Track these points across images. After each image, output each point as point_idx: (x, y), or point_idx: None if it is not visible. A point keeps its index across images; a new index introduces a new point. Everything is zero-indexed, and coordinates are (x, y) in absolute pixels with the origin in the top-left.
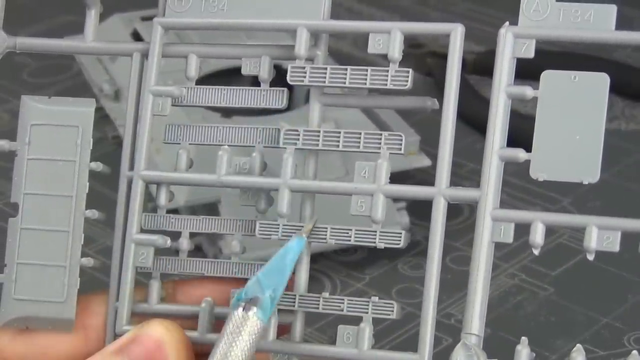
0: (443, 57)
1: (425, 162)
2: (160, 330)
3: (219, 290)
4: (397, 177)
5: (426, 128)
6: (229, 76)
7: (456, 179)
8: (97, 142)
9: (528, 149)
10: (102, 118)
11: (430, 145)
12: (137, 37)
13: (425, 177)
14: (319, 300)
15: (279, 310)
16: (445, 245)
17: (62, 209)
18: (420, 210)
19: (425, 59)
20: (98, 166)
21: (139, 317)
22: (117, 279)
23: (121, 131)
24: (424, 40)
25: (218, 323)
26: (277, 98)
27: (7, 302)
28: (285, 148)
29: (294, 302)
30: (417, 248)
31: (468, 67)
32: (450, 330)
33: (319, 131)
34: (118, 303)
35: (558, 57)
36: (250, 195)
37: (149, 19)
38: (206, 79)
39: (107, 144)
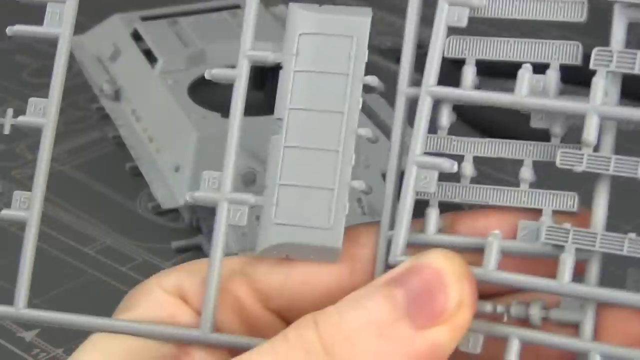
0: (443, 57)
1: None
2: (441, 260)
3: (505, 222)
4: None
5: None
6: None
7: None
8: (97, 142)
9: None
10: (102, 118)
11: None
12: (137, 37)
13: None
14: (623, 242)
15: (577, 249)
16: None
17: (331, 127)
18: (420, 210)
19: (425, 58)
20: (373, 80)
21: (413, 248)
22: (391, 205)
23: (121, 131)
24: (423, 40)
25: (504, 260)
26: (576, 10)
27: (267, 228)
28: (595, 70)
29: (594, 241)
30: None
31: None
32: None
33: (635, 53)
34: (392, 232)
35: None
36: (544, 117)
37: (149, 19)
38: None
39: (107, 144)
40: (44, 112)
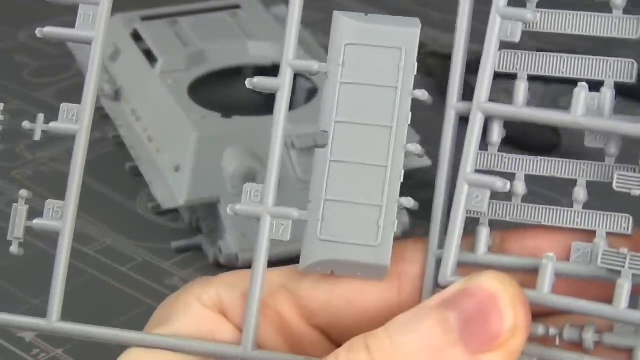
0: (443, 57)
1: (425, 162)
2: (495, 283)
3: (556, 242)
4: None
5: (426, 128)
6: (229, 76)
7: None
8: (97, 142)
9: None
10: (102, 118)
11: (430, 145)
12: (137, 37)
13: (425, 177)
14: None
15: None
16: None
17: (379, 141)
18: (420, 210)
19: (425, 59)
20: (423, 94)
21: (463, 268)
22: (440, 223)
23: (121, 131)
24: (424, 41)
25: (557, 282)
26: (630, 27)
27: (312, 243)
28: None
29: (624, 262)
30: None
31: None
32: None
33: None
34: (442, 251)
35: None
36: (599, 137)
37: (149, 19)
38: (207, 78)
39: (107, 144)
40: (76, 118)
